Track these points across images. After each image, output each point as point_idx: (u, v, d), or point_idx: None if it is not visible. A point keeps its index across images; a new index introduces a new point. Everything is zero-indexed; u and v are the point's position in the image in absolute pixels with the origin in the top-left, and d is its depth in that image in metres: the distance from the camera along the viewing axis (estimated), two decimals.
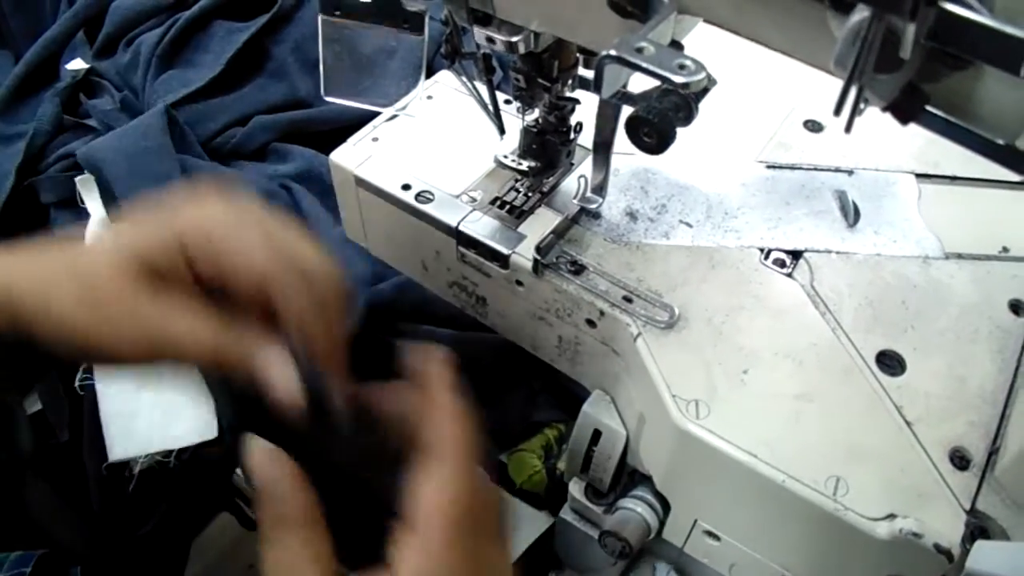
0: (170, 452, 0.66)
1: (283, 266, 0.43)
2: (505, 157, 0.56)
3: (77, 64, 0.81)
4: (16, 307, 0.42)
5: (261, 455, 0.42)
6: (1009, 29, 0.26)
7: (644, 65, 0.34)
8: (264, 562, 0.41)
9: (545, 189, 0.56)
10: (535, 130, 0.55)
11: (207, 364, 0.44)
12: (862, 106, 0.30)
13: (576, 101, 0.54)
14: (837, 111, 0.30)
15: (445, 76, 0.65)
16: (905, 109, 0.31)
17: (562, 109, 0.54)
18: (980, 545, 0.39)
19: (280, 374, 0.43)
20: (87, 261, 0.44)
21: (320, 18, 0.48)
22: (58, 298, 0.42)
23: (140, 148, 0.68)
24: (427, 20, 0.47)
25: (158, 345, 0.43)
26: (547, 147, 0.56)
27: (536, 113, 0.55)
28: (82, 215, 0.72)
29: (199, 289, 0.44)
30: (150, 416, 0.67)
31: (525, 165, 0.56)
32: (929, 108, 0.32)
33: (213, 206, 0.44)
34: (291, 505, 0.42)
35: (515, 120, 0.56)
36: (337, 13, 0.47)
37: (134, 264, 0.43)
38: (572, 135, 0.56)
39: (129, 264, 0.43)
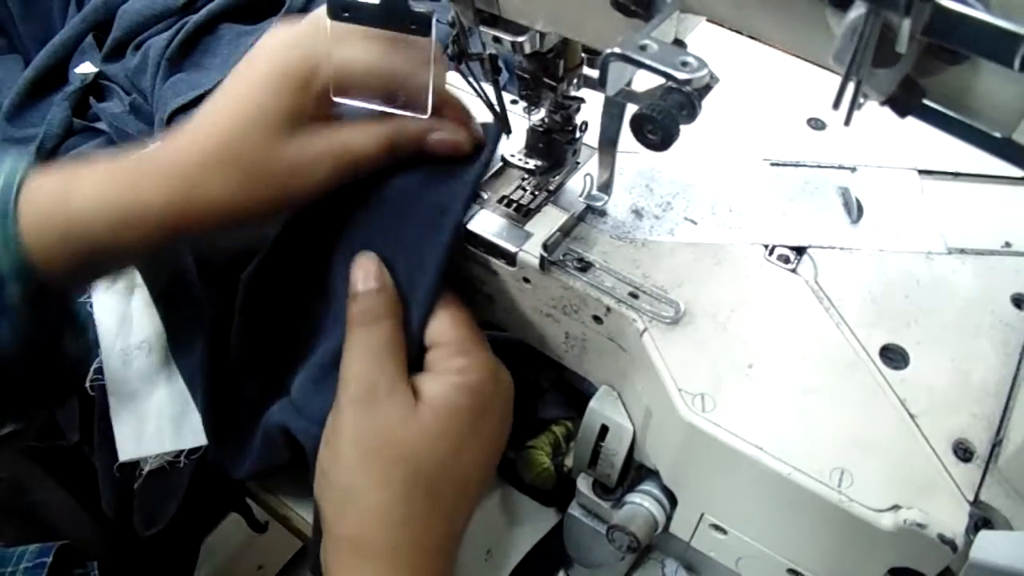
0: (180, 452, 0.67)
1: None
2: (512, 156, 0.57)
3: (86, 68, 0.82)
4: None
5: (364, 260, 0.52)
6: (1004, 23, 0.27)
7: (648, 62, 0.35)
8: (352, 349, 0.51)
9: (552, 187, 0.57)
10: (541, 129, 0.56)
11: (386, 154, 0.53)
12: (861, 100, 0.31)
13: (581, 100, 0.55)
14: (836, 105, 0.30)
15: (452, 77, 0.66)
16: (903, 103, 0.32)
17: (568, 108, 0.55)
18: (984, 535, 0.40)
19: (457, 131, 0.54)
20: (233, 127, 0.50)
21: (328, 23, 0.48)
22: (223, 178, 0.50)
23: None
24: (434, 22, 0.48)
25: (341, 160, 0.52)
26: (553, 146, 0.56)
27: (542, 112, 0.56)
28: None
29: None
30: (159, 416, 0.67)
31: (532, 164, 0.57)
32: (927, 102, 0.33)
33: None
34: (381, 299, 0.51)
35: (522, 120, 0.57)
36: (345, 16, 0.48)
37: (275, 129, 0.50)
38: (578, 134, 0.57)
39: (270, 130, 0.50)
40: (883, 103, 0.32)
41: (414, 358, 0.52)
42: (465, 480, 0.51)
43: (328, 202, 0.54)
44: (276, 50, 0.51)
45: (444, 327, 0.52)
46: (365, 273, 0.52)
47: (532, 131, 0.56)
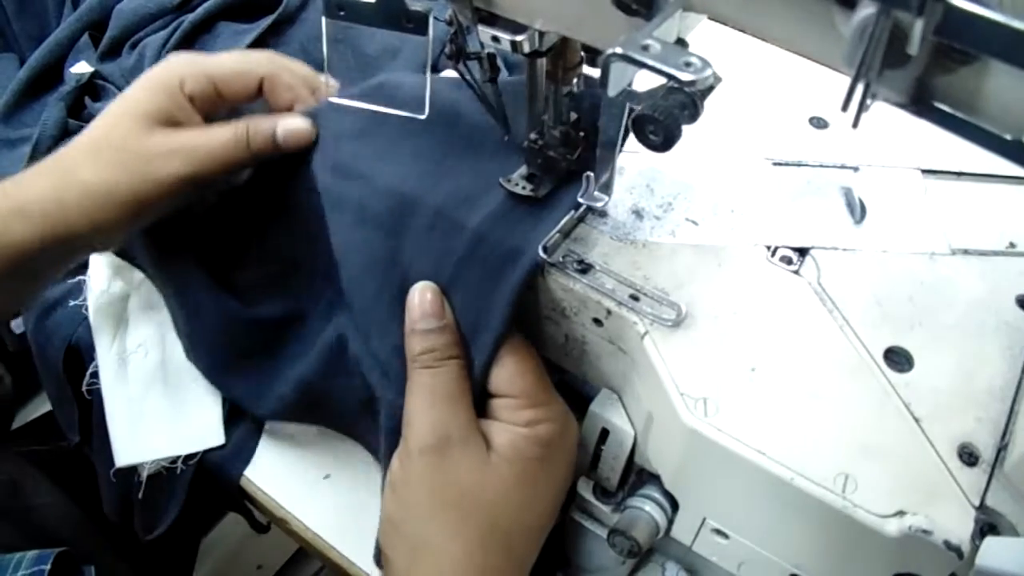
0: (176, 457, 0.67)
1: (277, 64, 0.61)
2: (508, 181, 0.55)
3: (82, 67, 0.81)
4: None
5: (425, 292, 0.52)
6: (1017, 24, 0.26)
7: (650, 63, 0.34)
8: (418, 393, 0.51)
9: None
10: (536, 147, 0.54)
11: (242, 153, 0.58)
12: (868, 102, 0.30)
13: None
14: (845, 107, 0.30)
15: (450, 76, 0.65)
16: (925, 102, 0.31)
17: (566, 124, 0.54)
18: (990, 541, 0.39)
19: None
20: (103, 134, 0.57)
21: (324, 20, 0.48)
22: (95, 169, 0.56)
23: None
24: (432, 20, 0.47)
25: (193, 155, 0.56)
26: (552, 165, 0.55)
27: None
28: None
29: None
30: (155, 422, 0.67)
31: (528, 189, 0.54)
32: (935, 103, 0.32)
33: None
34: (445, 339, 0.51)
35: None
36: (341, 14, 0.47)
37: (143, 120, 0.57)
38: (578, 146, 0.55)
39: (138, 120, 0.57)
40: (902, 104, 0.32)
41: (479, 405, 0.52)
42: (535, 528, 0.52)
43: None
44: (162, 64, 0.60)
45: (511, 376, 0.51)
46: (423, 308, 0.51)
47: (530, 151, 0.55)
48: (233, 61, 0.60)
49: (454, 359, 0.51)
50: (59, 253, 0.58)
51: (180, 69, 0.58)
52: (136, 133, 0.56)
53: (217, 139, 0.57)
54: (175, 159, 0.56)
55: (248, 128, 0.58)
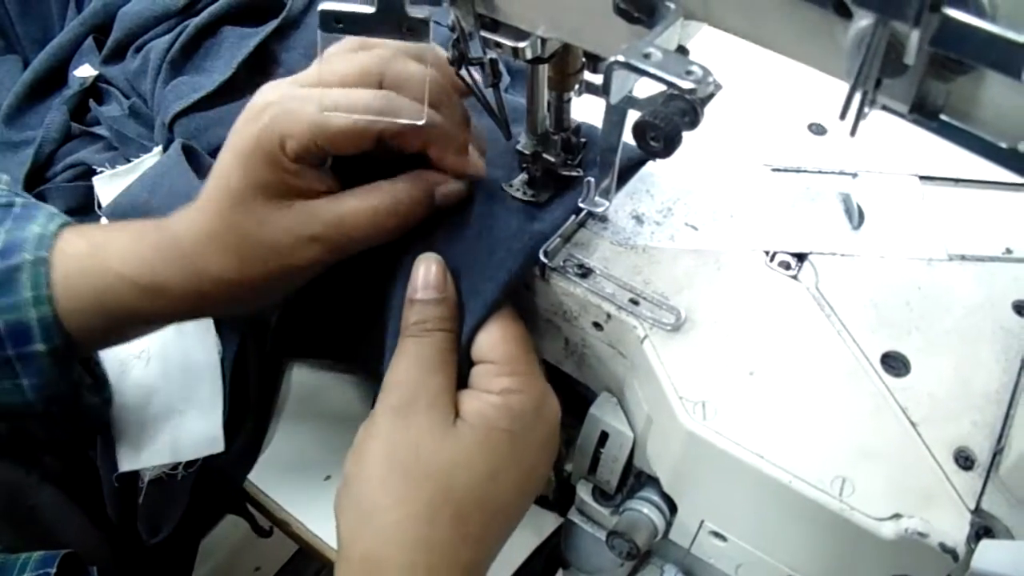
0: (177, 464, 0.67)
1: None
2: (510, 186, 0.55)
3: (85, 71, 0.81)
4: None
5: (430, 263, 0.50)
6: (1011, 35, 0.27)
7: (652, 71, 0.35)
8: (401, 356, 0.49)
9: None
10: (538, 153, 0.54)
11: (392, 226, 0.51)
12: (866, 110, 0.31)
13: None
14: (843, 115, 0.30)
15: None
16: (929, 108, 0.32)
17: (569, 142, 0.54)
18: (985, 544, 0.40)
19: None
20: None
21: (320, 34, 0.47)
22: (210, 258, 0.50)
23: (165, 190, 0.68)
24: (431, 26, 0.47)
25: (331, 240, 0.50)
26: (551, 174, 0.55)
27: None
28: (91, 223, 0.72)
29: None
30: (157, 428, 0.67)
31: (530, 195, 0.55)
32: (933, 112, 0.33)
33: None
34: (440, 310, 0.49)
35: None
36: (340, 27, 0.47)
37: (254, 202, 0.48)
38: (579, 152, 0.56)
39: (248, 204, 0.49)
40: (910, 111, 0.32)
41: (463, 375, 0.51)
42: (497, 507, 0.48)
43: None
44: (240, 124, 0.49)
45: (494, 341, 0.50)
46: (426, 278, 0.50)
47: (532, 155, 0.55)
48: (342, 121, 0.47)
49: (443, 331, 0.49)
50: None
51: (278, 127, 0.47)
52: (251, 224, 0.48)
53: (367, 215, 0.50)
54: (314, 246, 0.49)
55: (400, 197, 0.50)
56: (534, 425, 0.50)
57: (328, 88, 0.48)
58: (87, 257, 0.51)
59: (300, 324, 0.66)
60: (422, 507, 0.46)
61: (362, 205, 0.50)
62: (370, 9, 0.45)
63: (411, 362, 0.49)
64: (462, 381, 0.51)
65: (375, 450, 0.47)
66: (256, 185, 0.48)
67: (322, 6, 0.45)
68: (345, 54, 0.51)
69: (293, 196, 0.49)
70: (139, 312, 0.52)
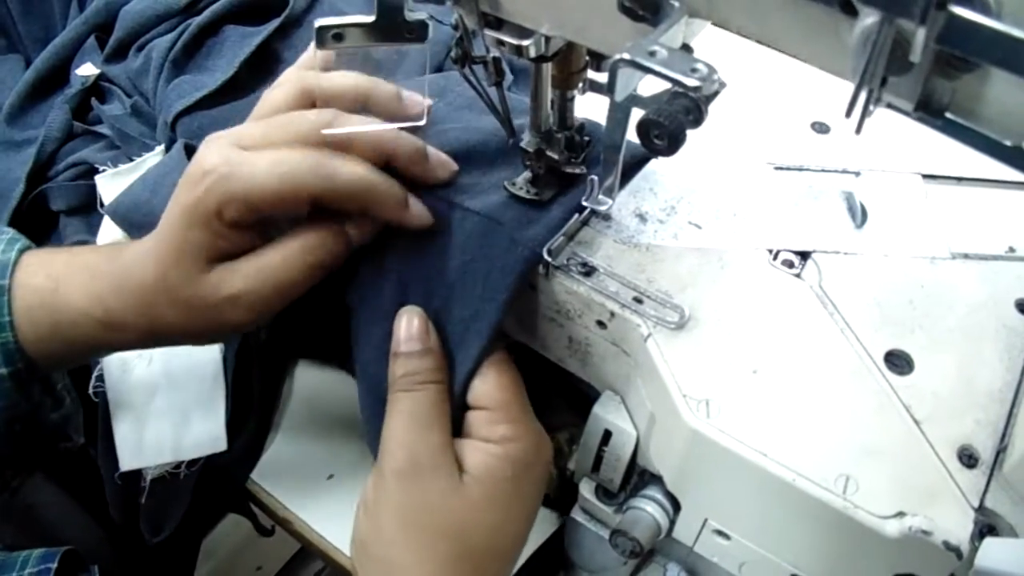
0: (180, 463, 0.67)
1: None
2: (512, 185, 0.55)
3: (87, 69, 0.81)
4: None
5: (412, 316, 0.51)
6: (1017, 32, 0.27)
7: (657, 69, 0.35)
8: (395, 414, 0.50)
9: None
10: (541, 151, 0.54)
11: (319, 273, 0.51)
12: (872, 108, 0.31)
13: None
14: (848, 114, 0.30)
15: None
16: (935, 106, 0.32)
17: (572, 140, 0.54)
18: (989, 542, 0.40)
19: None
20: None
21: (316, 52, 0.47)
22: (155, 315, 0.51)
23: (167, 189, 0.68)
24: (430, 27, 0.47)
25: (261, 294, 0.50)
26: (554, 172, 0.55)
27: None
28: (93, 222, 0.72)
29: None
30: (159, 427, 0.67)
31: (533, 193, 0.55)
32: (938, 110, 0.33)
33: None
34: (426, 363, 0.51)
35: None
36: (339, 41, 0.47)
37: (190, 263, 0.49)
38: (583, 150, 0.56)
39: (184, 265, 0.49)
40: (916, 109, 0.32)
41: (457, 418, 0.52)
42: (507, 549, 0.52)
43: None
44: (183, 185, 0.50)
45: (489, 389, 0.51)
46: (409, 332, 0.51)
47: (535, 154, 0.54)
48: (275, 180, 0.48)
49: (433, 383, 0.50)
50: None
51: (215, 196, 0.48)
52: (191, 281, 0.49)
53: (297, 267, 0.50)
54: (245, 300, 0.50)
55: (323, 251, 0.51)
56: (533, 468, 0.52)
57: (267, 149, 0.49)
58: (47, 292, 0.52)
59: (300, 325, 0.66)
60: (443, 563, 0.48)
61: (287, 259, 0.50)
62: (370, 18, 0.46)
63: (407, 421, 0.50)
64: (455, 425, 0.52)
65: (389, 512, 0.49)
66: (193, 246, 0.49)
67: (319, 22, 0.45)
68: (289, 109, 0.53)
69: (224, 257, 0.50)
70: (100, 344, 0.54)
